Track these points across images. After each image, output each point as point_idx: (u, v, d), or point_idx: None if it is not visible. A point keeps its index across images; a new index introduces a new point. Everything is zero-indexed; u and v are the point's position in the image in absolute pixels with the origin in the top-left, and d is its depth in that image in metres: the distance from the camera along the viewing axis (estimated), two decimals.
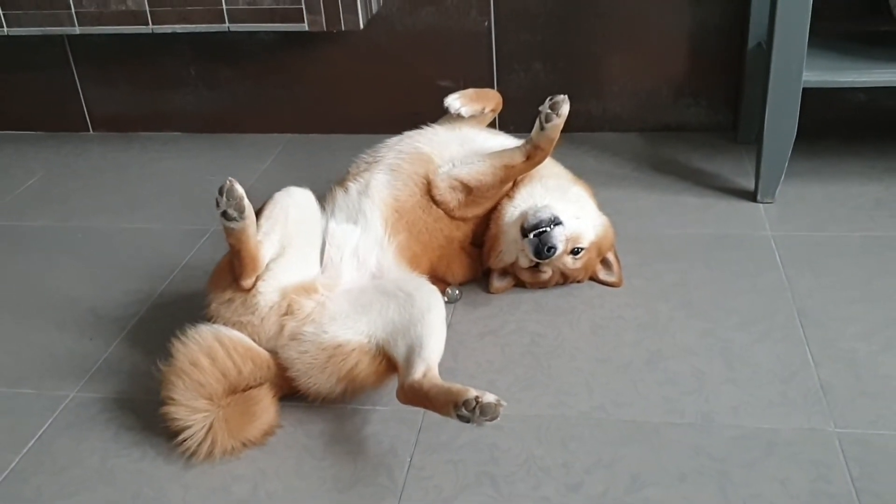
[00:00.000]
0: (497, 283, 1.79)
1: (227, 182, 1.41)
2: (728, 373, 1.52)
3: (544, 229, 1.63)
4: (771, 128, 1.95)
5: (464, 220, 1.75)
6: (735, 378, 1.51)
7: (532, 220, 1.65)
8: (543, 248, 1.63)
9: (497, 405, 1.26)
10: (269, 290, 1.50)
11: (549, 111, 1.63)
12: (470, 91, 1.88)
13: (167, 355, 1.46)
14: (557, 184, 1.76)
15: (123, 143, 2.66)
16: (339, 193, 1.73)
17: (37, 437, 1.48)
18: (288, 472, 1.37)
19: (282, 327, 1.49)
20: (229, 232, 1.44)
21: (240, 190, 1.42)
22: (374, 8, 2.34)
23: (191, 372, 1.42)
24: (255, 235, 1.47)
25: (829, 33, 2.06)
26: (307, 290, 1.51)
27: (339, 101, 2.56)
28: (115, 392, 1.58)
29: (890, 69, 1.91)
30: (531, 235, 1.64)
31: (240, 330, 1.50)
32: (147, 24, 2.27)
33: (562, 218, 1.66)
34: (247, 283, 1.49)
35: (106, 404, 1.55)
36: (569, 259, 1.71)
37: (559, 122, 1.64)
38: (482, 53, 2.43)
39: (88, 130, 2.74)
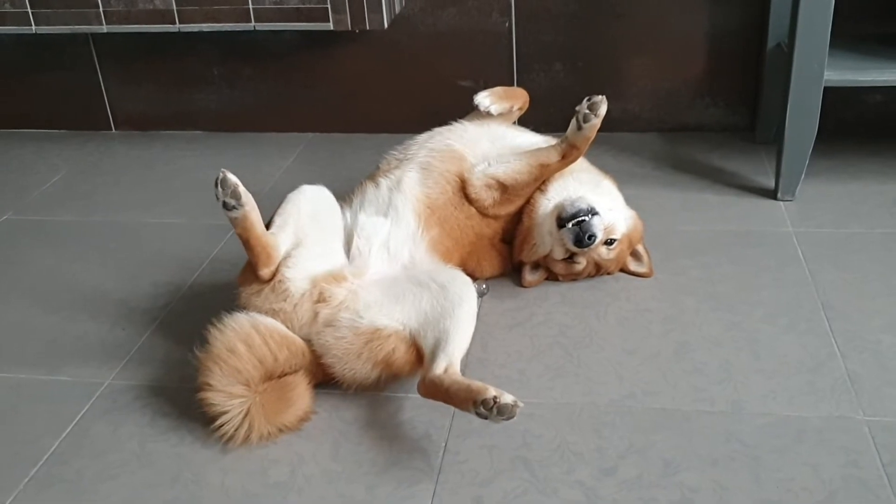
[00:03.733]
0: (529, 276, 1.81)
1: (220, 173, 1.44)
2: (755, 363, 1.54)
3: (583, 218, 1.65)
4: (792, 126, 1.97)
5: (496, 217, 1.77)
6: (763, 368, 1.53)
7: (570, 210, 1.67)
8: (584, 236, 1.65)
9: (514, 406, 1.28)
10: (297, 277, 1.52)
11: (587, 111, 1.65)
12: (499, 89, 1.90)
13: (201, 343, 1.48)
14: (589, 178, 1.78)
15: (146, 141, 2.69)
16: (368, 188, 1.74)
17: (75, 422, 1.50)
18: (324, 457, 1.39)
19: (316, 314, 1.50)
20: (234, 222, 1.46)
21: (232, 178, 1.44)
22: (397, 8, 2.37)
23: (228, 358, 1.44)
24: (260, 223, 1.49)
25: (849, 34, 2.09)
26: (336, 278, 1.53)
27: (361, 100, 2.58)
28: (149, 380, 1.60)
29: None
30: (569, 225, 1.66)
31: (273, 318, 1.51)
32: (174, 23, 2.30)
33: (597, 208, 1.68)
34: (264, 273, 1.51)
35: (141, 391, 1.57)
36: (603, 249, 1.73)
37: (597, 122, 1.66)
38: (503, 54, 2.46)
39: (111, 129, 2.77)
